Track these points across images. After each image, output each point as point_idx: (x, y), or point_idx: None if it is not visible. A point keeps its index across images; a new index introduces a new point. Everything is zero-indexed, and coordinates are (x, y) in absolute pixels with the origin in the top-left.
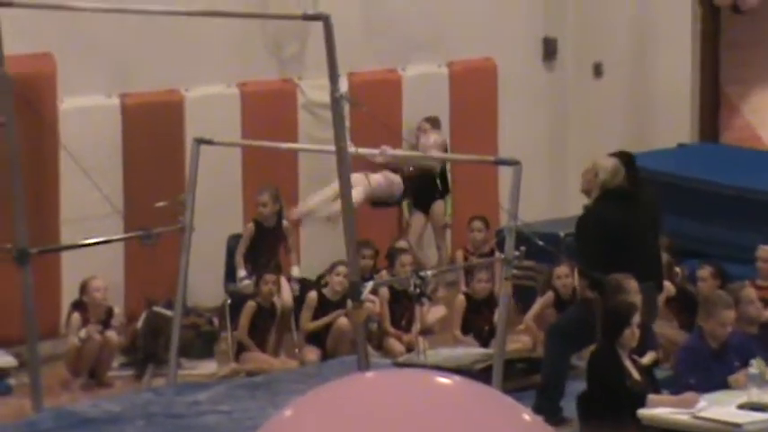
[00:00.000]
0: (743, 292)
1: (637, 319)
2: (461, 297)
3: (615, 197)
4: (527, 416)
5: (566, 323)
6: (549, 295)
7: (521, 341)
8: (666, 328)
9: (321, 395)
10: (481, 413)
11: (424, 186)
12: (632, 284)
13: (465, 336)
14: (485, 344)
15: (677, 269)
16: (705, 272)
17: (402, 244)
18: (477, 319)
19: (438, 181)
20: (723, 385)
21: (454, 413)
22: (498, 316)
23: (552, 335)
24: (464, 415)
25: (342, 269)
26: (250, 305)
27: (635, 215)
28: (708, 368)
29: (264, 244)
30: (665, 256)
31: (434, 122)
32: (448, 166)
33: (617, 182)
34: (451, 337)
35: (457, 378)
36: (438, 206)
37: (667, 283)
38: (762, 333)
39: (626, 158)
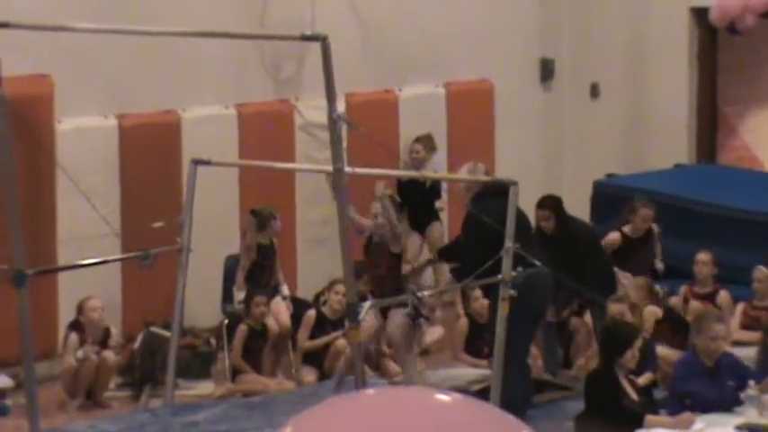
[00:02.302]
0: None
1: (639, 342)
2: (464, 320)
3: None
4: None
5: (513, 342)
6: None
7: None
8: (662, 350)
9: (320, 412)
10: (479, 428)
11: (419, 205)
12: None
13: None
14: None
15: (658, 289)
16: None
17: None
18: (477, 341)
19: (431, 199)
20: (718, 404)
21: (453, 428)
22: (496, 337)
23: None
24: (463, 430)
25: (341, 287)
26: (241, 328)
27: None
28: (702, 385)
29: (264, 263)
30: (642, 280)
31: (427, 142)
32: (444, 185)
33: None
34: (449, 357)
35: (456, 395)
36: (435, 228)
37: (653, 307)
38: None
39: (555, 203)
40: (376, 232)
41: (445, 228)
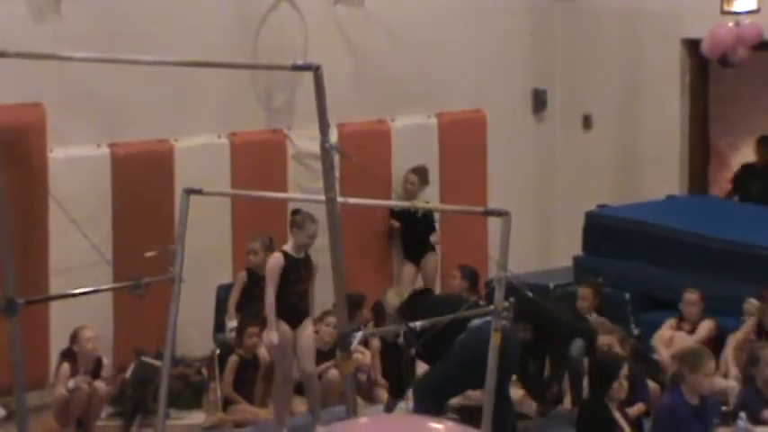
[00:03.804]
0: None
1: (625, 371)
2: None
3: None
4: None
5: (430, 381)
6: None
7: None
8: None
9: None
10: None
11: (413, 235)
12: None
13: None
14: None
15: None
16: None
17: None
18: None
19: (425, 229)
20: None
21: None
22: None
23: (420, 395)
24: None
25: (331, 319)
26: (233, 359)
27: None
28: (689, 428)
29: (256, 292)
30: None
31: (421, 174)
32: (436, 216)
33: None
34: None
35: (449, 423)
36: (431, 259)
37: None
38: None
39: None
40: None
41: (440, 259)
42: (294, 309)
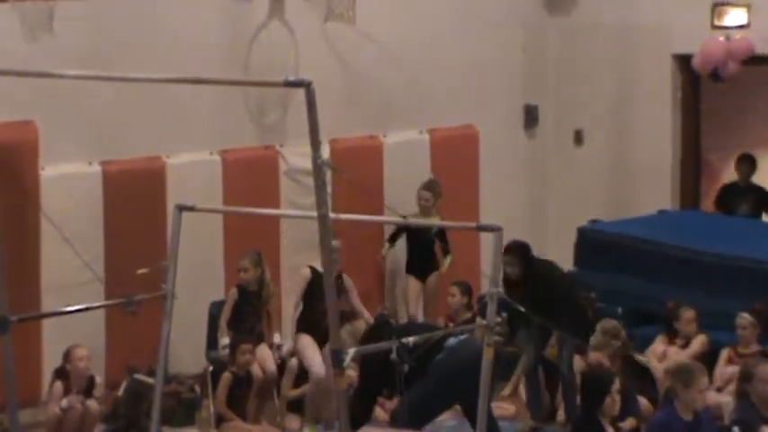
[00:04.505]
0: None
1: (617, 386)
2: None
3: None
4: None
5: (410, 403)
6: None
7: (503, 408)
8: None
9: None
10: None
11: (423, 253)
12: None
13: None
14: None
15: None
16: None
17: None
18: None
19: (435, 247)
20: None
21: None
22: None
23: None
24: None
25: None
26: (226, 376)
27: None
28: None
29: (248, 309)
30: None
31: (434, 188)
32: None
33: None
34: None
35: None
36: (433, 280)
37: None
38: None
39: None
40: None
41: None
42: (316, 326)
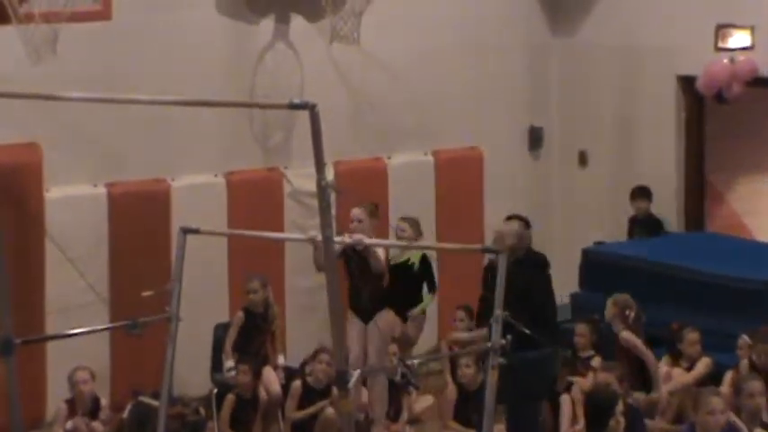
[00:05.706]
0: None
1: (620, 407)
2: (452, 388)
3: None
4: None
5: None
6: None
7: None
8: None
9: None
10: None
11: (405, 288)
12: None
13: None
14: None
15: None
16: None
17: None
18: (466, 409)
19: (419, 284)
20: None
21: None
22: (486, 404)
23: None
24: None
25: (324, 357)
26: (229, 398)
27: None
28: None
29: (254, 331)
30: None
31: (413, 224)
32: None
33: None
34: (438, 425)
35: None
36: (413, 326)
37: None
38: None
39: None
40: None
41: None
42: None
